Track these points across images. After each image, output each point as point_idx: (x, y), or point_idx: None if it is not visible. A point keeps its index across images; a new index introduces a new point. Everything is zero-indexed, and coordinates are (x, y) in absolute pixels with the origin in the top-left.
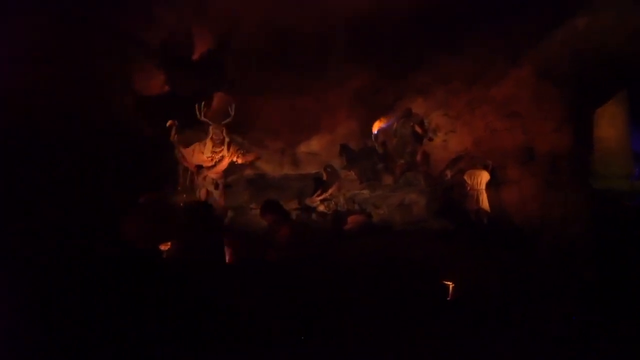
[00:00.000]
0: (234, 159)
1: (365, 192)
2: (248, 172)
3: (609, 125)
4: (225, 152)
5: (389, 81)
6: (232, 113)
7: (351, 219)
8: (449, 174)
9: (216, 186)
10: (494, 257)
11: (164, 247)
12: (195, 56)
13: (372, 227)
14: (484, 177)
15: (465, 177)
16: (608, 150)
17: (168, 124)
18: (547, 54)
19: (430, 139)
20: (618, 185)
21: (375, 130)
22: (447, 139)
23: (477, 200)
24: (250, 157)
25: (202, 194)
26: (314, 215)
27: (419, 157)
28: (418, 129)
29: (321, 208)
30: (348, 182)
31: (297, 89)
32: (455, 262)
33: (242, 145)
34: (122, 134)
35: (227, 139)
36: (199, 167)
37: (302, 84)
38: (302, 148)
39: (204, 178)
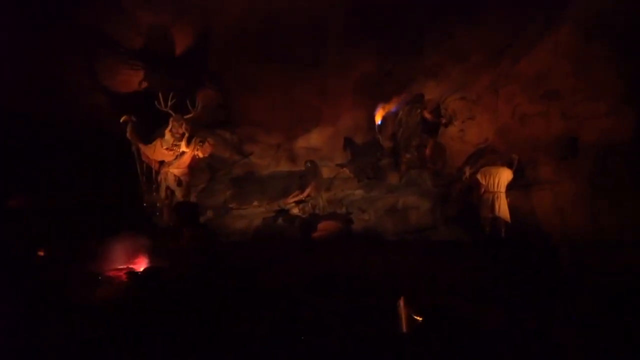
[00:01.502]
0: (196, 153)
1: (359, 192)
2: (238, 170)
3: None
4: (184, 146)
5: (397, 63)
6: (198, 107)
7: (322, 226)
8: (467, 171)
9: (179, 183)
10: (510, 286)
11: None
12: (176, 51)
13: (350, 235)
14: (504, 176)
15: (479, 177)
16: None
17: (122, 119)
18: (596, 6)
19: (445, 126)
20: None
21: (378, 120)
22: (464, 129)
23: (493, 207)
24: (208, 149)
25: (162, 192)
26: (280, 220)
27: (428, 151)
28: (428, 116)
29: (295, 211)
30: (342, 181)
31: (294, 78)
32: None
33: (232, 140)
34: (93, 132)
35: (186, 133)
36: (161, 163)
37: (299, 73)
38: (301, 143)
39: (165, 174)
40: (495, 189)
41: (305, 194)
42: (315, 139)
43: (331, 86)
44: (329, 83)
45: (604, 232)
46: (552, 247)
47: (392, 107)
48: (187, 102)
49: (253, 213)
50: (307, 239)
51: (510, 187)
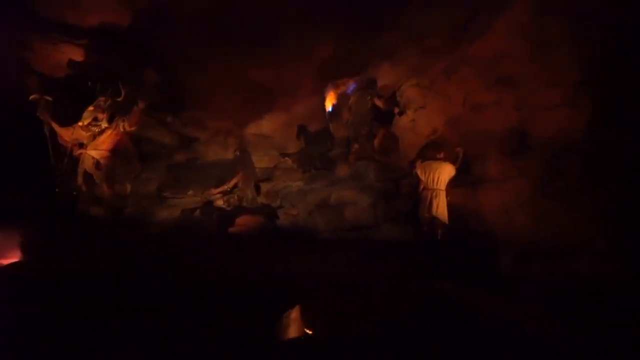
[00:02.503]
0: (122, 126)
1: (298, 184)
2: (180, 156)
3: None
4: (105, 123)
5: (354, 44)
6: (123, 91)
7: (240, 220)
8: (419, 165)
9: (97, 166)
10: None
11: None
12: (119, 29)
13: (275, 231)
14: (445, 172)
15: (418, 172)
16: None
17: (31, 97)
18: None
19: (400, 115)
20: None
21: (328, 106)
22: (415, 119)
23: (431, 205)
24: (135, 119)
25: (79, 178)
26: (197, 212)
27: (377, 142)
28: (378, 103)
29: (220, 203)
30: (284, 172)
31: (246, 60)
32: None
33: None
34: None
35: (106, 113)
36: (80, 146)
37: (252, 55)
38: (252, 129)
39: (83, 157)
40: (435, 186)
41: (230, 184)
42: (267, 125)
43: (286, 70)
44: (284, 66)
45: (551, 237)
46: (494, 252)
47: (342, 91)
48: (119, 83)
49: (187, 203)
50: (224, 234)
51: (453, 184)
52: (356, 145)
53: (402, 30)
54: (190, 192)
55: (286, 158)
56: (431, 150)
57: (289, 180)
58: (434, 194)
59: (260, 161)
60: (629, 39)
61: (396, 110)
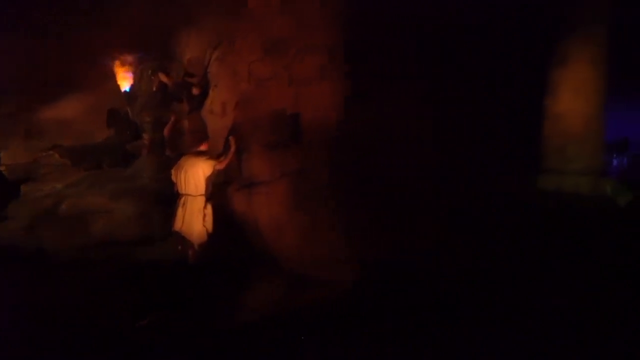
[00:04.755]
0: None
1: (59, 186)
2: None
3: (573, 95)
4: None
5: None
6: None
7: None
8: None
9: None
10: None
11: None
12: None
13: None
14: (198, 171)
15: (172, 172)
16: (570, 134)
17: None
18: None
19: (201, 95)
20: (573, 184)
21: (124, 84)
22: (213, 99)
23: (176, 217)
24: None
25: None
26: None
27: (166, 131)
28: (164, 79)
29: None
30: (55, 169)
31: (39, 32)
32: None
33: None
34: None
35: None
36: None
37: (47, 23)
38: (48, 113)
39: None
40: (184, 190)
41: None
42: (68, 108)
43: (93, 39)
44: (87, 35)
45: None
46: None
47: (128, 66)
48: None
49: None
50: None
51: (237, 187)
52: (146, 136)
53: None
54: None
55: (51, 152)
56: (191, 141)
57: (58, 181)
58: (183, 201)
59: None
60: None
61: (195, 90)
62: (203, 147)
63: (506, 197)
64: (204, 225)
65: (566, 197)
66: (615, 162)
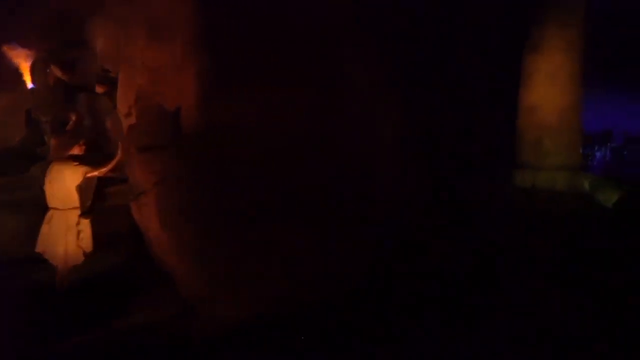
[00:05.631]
0: None
1: None
2: None
3: (548, 84)
4: None
5: None
6: None
7: None
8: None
9: None
10: None
11: None
12: None
13: None
14: (66, 181)
15: (46, 181)
16: (545, 126)
17: None
18: None
19: (92, 92)
20: (549, 180)
21: (29, 80)
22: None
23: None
24: None
25: None
26: None
27: (68, 129)
28: (57, 73)
29: None
30: None
31: None
32: None
33: None
34: None
35: None
36: None
37: None
38: None
39: None
40: (51, 204)
41: None
42: None
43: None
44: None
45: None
46: None
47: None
48: None
49: None
50: None
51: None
52: (54, 139)
53: None
54: None
55: None
56: (64, 141)
57: None
58: (50, 216)
59: None
60: None
61: (100, 88)
62: (76, 151)
63: (479, 195)
64: (78, 245)
65: (540, 194)
66: (598, 154)
